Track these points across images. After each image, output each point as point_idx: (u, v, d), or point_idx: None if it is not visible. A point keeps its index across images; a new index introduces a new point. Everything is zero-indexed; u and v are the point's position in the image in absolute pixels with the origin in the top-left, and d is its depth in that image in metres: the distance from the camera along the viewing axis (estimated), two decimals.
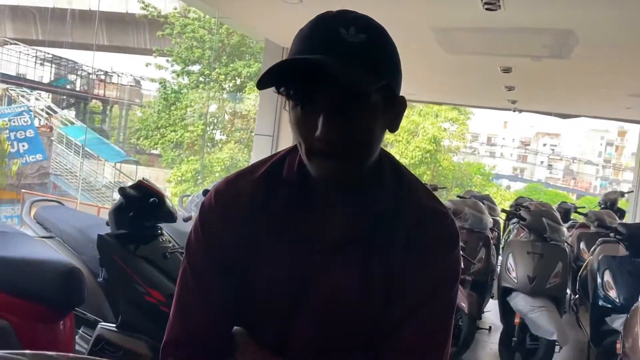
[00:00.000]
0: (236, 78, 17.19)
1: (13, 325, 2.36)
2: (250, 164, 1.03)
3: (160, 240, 2.45)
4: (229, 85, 17.61)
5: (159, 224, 2.49)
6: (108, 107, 22.32)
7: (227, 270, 0.94)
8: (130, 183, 2.49)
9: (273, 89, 0.85)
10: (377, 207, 0.92)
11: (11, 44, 19.69)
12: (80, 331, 2.80)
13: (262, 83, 0.81)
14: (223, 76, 16.99)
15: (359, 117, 0.83)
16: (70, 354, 0.45)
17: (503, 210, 5.23)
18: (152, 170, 19.97)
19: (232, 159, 16.05)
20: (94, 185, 16.62)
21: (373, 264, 0.91)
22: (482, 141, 39.77)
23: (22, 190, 12.40)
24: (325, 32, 0.82)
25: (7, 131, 12.63)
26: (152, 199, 2.39)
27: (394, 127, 0.90)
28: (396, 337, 0.90)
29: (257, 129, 6.51)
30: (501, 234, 6.54)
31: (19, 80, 19.62)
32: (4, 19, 19.82)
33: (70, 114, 20.37)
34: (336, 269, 0.92)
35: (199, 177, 16.19)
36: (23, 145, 13.08)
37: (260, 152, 5.99)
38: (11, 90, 17.47)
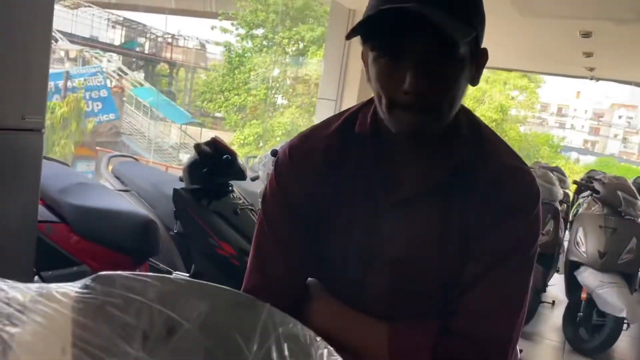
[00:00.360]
0: (299, 42, 17.13)
1: (93, 271, 2.54)
2: (323, 120, 1.03)
3: (232, 196, 2.53)
4: (291, 50, 17.60)
5: (230, 181, 2.57)
6: (174, 70, 22.89)
7: (303, 223, 0.96)
8: (204, 141, 2.57)
9: (359, 39, 0.84)
10: (453, 161, 0.90)
11: (85, 6, 20.43)
12: None
13: (354, 33, 0.80)
14: (286, 40, 16.98)
15: (447, 69, 0.82)
16: (193, 280, 0.48)
17: (575, 182, 5.01)
18: (216, 133, 20.41)
19: (293, 123, 16.17)
20: (161, 146, 17.21)
21: (450, 218, 0.90)
22: (552, 111, 37.97)
23: (97, 148, 13.05)
24: None
25: (83, 91, 13.22)
26: (225, 156, 2.47)
27: (475, 81, 0.89)
28: (471, 293, 0.89)
29: (320, 92, 6.51)
30: (570, 207, 6.30)
31: (93, 42, 20.40)
32: None
33: (140, 75, 21.04)
34: (412, 223, 0.92)
35: (260, 141, 16.45)
36: (97, 105, 13.68)
37: (323, 116, 5.96)
38: (85, 51, 18.19)
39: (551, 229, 4.26)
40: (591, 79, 7.52)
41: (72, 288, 0.46)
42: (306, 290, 1.00)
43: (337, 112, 1.00)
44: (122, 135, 15.80)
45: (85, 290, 0.46)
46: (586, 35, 5.18)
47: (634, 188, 4.24)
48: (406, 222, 0.92)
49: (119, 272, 0.49)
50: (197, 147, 2.47)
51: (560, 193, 4.52)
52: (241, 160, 2.60)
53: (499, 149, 0.95)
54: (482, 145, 0.93)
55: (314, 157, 0.96)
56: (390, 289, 0.94)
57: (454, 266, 0.90)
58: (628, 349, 4.01)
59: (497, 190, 0.89)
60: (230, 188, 2.56)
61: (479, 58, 0.87)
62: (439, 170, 0.90)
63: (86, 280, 0.48)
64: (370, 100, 0.98)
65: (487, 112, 17.42)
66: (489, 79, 17.64)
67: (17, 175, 2.30)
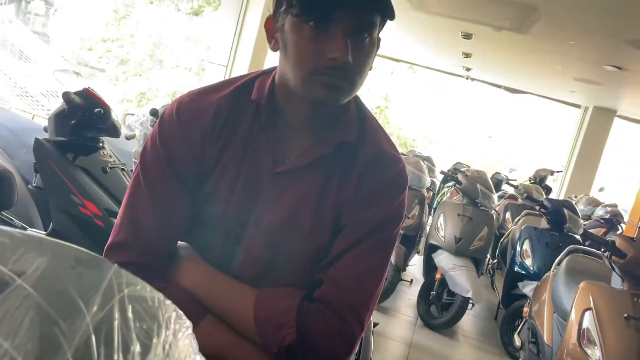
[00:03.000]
0: (193, 0, 16.40)
1: None
2: (216, 82, 1.02)
3: (102, 153, 2.37)
4: (185, 8, 16.80)
5: (102, 137, 2.40)
6: (52, 11, 20.84)
7: (182, 182, 0.95)
8: (75, 90, 2.36)
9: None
10: (338, 138, 0.96)
11: None
12: None
13: None
14: None
15: (366, 46, 0.87)
16: (31, 233, 0.44)
17: (442, 172, 5.42)
18: (94, 85, 19.00)
19: (180, 84, 15.53)
20: (28, 91, 15.65)
21: (327, 192, 0.96)
22: None
23: None
24: None
25: None
26: (97, 110, 2.29)
27: (372, 66, 0.94)
28: (336, 264, 0.94)
29: (210, 56, 6.31)
30: (436, 194, 6.79)
31: None
32: None
33: (9, 10, 18.86)
34: (291, 193, 0.95)
35: (143, 99, 15.60)
36: None
37: (211, 80, 5.83)
38: None
39: (416, 214, 4.56)
40: (467, 78, 8.09)
41: None
42: (176, 251, 0.98)
43: (227, 76, 0.98)
44: None
45: None
46: (467, 36, 5.55)
47: (491, 182, 4.68)
48: (286, 191, 0.95)
49: None
50: (66, 95, 2.27)
51: (428, 181, 4.84)
52: (116, 116, 2.44)
53: (380, 135, 1.02)
54: (366, 129, 0.99)
55: (202, 117, 0.95)
56: (261, 257, 0.97)
57: (324, 238, 0.96)
58: (470, 326, 4.46)
59: (373, 172, 0.97)
60: (100, 144, 2.40)
61: (378, 45, 0.93)
62: (324, 145, 0.95)
63: None
64: (268, 71, 1.00)
65: (373, 98, 18.08)
66: (377, 67, 18.28)
67: None
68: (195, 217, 0.97)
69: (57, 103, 2.43)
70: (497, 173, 8.16)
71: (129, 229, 0.95)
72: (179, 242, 1.00)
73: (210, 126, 0.95)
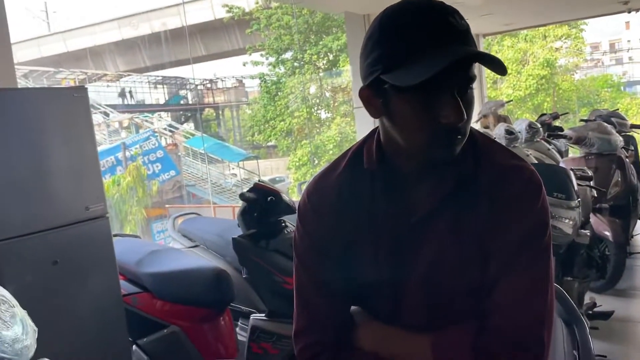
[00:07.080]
0: (328, 54, 17.29)
1: (183, 329, 2.74)
2: (332, 161, 1.12)
3: (286, 232, 2.65)
4: (323, 63, 17.78)
5: (281, 218, 2.69)
6: (220, 112, 23.71)
7: (332, 259, 1.05)
8: (248, 187, 2.72)
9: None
10: (456, 173, 0.97)
11: (125, 75, 21.61)
12: (239, 323, 3.14)
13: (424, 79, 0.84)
14: (315, 56, 17.19)
15: (472, 98, 0.92)
16: None
17: (632, 126, 4.77)
18: (272, 162, 20.92)
19: (341, 134, 16.27)
20: (224, 187, 17.78)
21: (464, 226, 0.97)
22: (605, 50, 35.90)
23: (166, 206, 13.71)
24: (439, 21, 0.86)
25: (141, 157, 13.94)
26: (269, 198, 2.60)
27: None
28: (497, 290, 0.95)
29: (355, 102, 6.60)
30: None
31: (140, 107, 21.52)
32: (113, 55, 21.75)
33: (190, 126, 21.92)
34: (432, 237, 0.99)
35: (314, 159, 16.66)
36: (157, 166, 14.35)
37: (363, 123, 6.09)
38: (135, 118, 19.16)
39: (619, 179, 4.09)
40: (629, 11, 7.16)
41: None
42: (351, 319, 1.08)
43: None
44: (185, 187, 16.50)
45: None
46: None
47: None
48: (426, 239, 0.99)
49: None
50: (242, 196, 2.62)
51: (620, 140, 4.32)
52: (287, 195, 2.72)
53: (495, 151, 1.01)
54: (479, 152, 1.00)
55: (328, 197, 1.05)
56: (424, 303, 1.01)
57: (477, 269, 0.97)
58: None
59: (500, 191, 0.96)
60: (283, 224, 2.69)
61: None
62: (445, 184, 0.98)
63: None
64: (371, 135, 1.07)
65: (534, 70, 16.71)
66: (527, 37, 16.98)
67: (95, 260, 2.54)
68: (355, 282, 1.06)
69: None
70: None
71: (303, 315, 1.08)
72: (352, 308, 1.09)
73: (338, 203, 1.04)
